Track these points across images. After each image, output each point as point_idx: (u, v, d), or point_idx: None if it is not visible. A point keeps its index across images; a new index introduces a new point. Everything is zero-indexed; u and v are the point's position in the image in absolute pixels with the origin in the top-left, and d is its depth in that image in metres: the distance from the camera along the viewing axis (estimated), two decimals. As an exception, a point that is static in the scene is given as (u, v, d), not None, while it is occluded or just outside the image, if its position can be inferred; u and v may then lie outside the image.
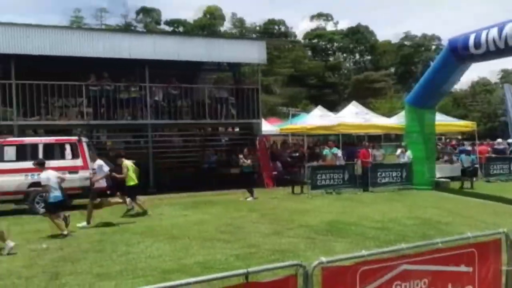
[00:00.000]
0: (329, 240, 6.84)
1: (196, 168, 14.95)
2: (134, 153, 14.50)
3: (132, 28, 54.12)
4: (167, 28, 56.49)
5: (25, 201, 10.06)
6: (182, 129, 16.46)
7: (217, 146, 16.43)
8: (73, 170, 10.32)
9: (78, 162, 10.42)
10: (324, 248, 6.29)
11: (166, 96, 14.06)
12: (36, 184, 9.89)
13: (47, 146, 10.36)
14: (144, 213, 9.40)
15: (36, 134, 13.87)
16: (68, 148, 10.48)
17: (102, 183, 9.16)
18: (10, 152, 10.12)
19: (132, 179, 9.34)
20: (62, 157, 10.38)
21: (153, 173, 13.46)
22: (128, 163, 9.47)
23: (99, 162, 9.13)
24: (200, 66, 16.75)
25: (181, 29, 56.27)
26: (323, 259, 2.64)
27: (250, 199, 11.50)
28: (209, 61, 15.85)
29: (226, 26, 60.11)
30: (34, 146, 10.25)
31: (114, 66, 13.50)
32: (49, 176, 7.77)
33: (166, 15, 59.15)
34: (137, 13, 58.97)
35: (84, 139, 11.01)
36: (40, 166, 8.03)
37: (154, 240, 6.95)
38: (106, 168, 9.08)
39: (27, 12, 68.63)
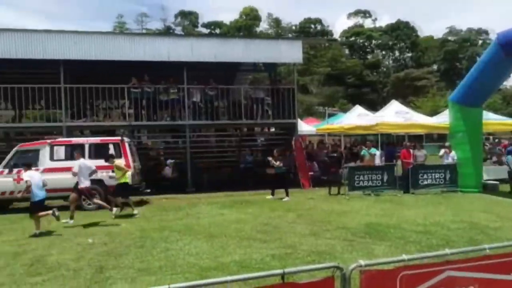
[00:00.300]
0: (367, 243, 6.67)
1: (232, 168, 15.14)
2: (173, 153, 14.98)
3: (171, 31, 55.66)
4: (204, 30, 57.60)
5: (73, 198, 10.63)
6: (219, 129, 16.73)
7: (253, 146, 16.53)
8: (116, 169, 10.78)
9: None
10: (363, 250, 6.14)
11: (204, 97, 14.34)
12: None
13: (92, 146, 10.92)
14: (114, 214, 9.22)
15: (82, 134, 14.64)
16: (111, 148, 10.96)
17: (86, 182, 9.30)
18: (59, 151, 10.76)
19: (124, 177, 9.72)
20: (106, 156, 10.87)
21: (191, 173, 13.78)
22: (120, 162, 9.93)
23: (82, 161, 9.44)
24: (237, 67, 16.94)
25: (218, 31, 57.18)
26: (362, 262, 2.58)
27: (286, 199, 11.50)
28: (245, 62, 15.98)
29: (263, 26, 60.35)
30: (81, 146, 10.83)
31: (154, 69, 13.98)
32: (32, 176, 8.07)
33: (204, 18, 60.30)
34: (176, 16, 60.60)
35: (126, 139, 11.47)
36: (27, 167, 8.34)
37: (192, 238, 7.11)
38: (91, 167, 9.43)
39: (76, 20, 72.67)
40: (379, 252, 6.02)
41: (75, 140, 11.36)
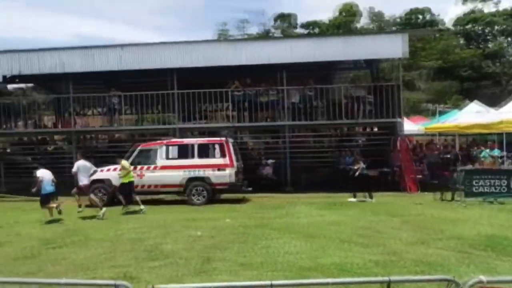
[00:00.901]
0: (488, 257, 5.87)
1: (331, 169, 14.85)
2: (272, 153, 15.35)
3: (270, 34, 57.08)
4: (302, 31, 57.67)
5: (184, 193, 11.72)
6: (317, 129, 16.59)
7: (353, 147, 15.96)
8: (221, 167, 11.53)
9: (225, 160, 11.58)
10: (482, 265, 5.42)
11: (302, 98, 14.39)
12: (193, 179, 11.50)
13: (201, 146, 11.87)
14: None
15: (192, 135, 16.01)
16: (217, 148, 11.77)
17: (85, 181, 10.20)
18: (173, 151, 11.96)
19: (128, 177, 10.53)
20: (212, 155, 11.71)
21: (290, 173, 13.95)
22: (125, 163, 10.76)
23: (82, 162, 10.33)
24: (336, 65, 16.58)
25: (316, 30, 56.68)
26: (483, 278, 2.29)
27: (369, 200, 11.18)
28: (345, 60, 15.55)
29: (363, 22, 57.78)
30: (191, 146, 11.87)
31: (255, 72, 14.55)
32: (43, 174, 9.54)
33: (302, 18, 60.40)
34: (274, 20, 61.92)
35: (230, 140, 12.17)
36: (39, 166, 10.22)
37: (291, 237, 7.18)
38: (91, 168, 10.47)
39: (183, 31, 79.85)
40: (503, 268, 5.25)
41: (186, 140, 12.48)
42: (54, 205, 9.68)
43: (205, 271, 5.45)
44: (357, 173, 11.48)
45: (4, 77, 16.93)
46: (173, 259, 6.07)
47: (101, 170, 12.07)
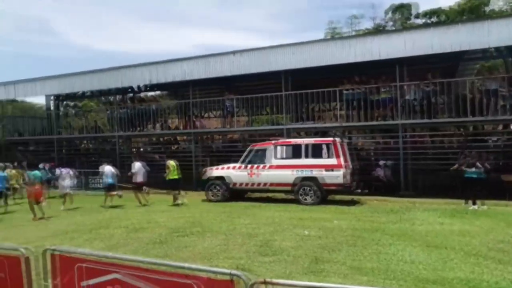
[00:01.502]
0: None
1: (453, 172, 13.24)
2: (385, 154, 14.47)
3: (381, 28, 53.89)
4: (419, 21, 52.94)
5: (292, 193, 11.90)
6: (437, 128, 15.02)
7: (482, 148, 13.97)
8: (328, 168, 11.37)
9: (333, 161, 11.37)
10: None
11: (419, 94, 13.21)
12: (303, 179, 11.60)
13: (308, 146, 11.89)
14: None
15: (300, 136, 16.15)
16: (324, 148, 11.63)
17: (140, 178, 12.90)
18: (281, 151, 12.25)
19: (173, 175, 12.44)
20: (320, 156, 11.62)
21: (404, 175, 12.95)
22: (171, 162, 12.67)
23: (138, 163, 13.12)
24: (460, 56, 14.75)
25: (434, 19, 51.40)
26: None
27: (475, 207, 9.98)
28: (471, 50, 13.71)
29: (496, 4, 50.20)
30: (299, 146, 11.98)
31: (365, 69, 13.93)
32: (105, 168, 13.02)
33: (418, 9, 55.49)
34: (386, 12, 58.21)
35: (338, 140, 11.91)
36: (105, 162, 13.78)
37: (406, 244, 6.67)
38: (144, 168, 13.19)
39: (291, 33, 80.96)
40: None
41: (294, 141, 12.66)
42: (115, 193, 12.81)
43: (313, 271, 5.44)
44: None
45: (139, 86, 19.82)
46: (282, 256, 6.22)
47: (218, 168, 13.09)
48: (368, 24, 58.11)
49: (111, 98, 21.67)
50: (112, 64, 17.58)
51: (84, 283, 3.21)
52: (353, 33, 51.62)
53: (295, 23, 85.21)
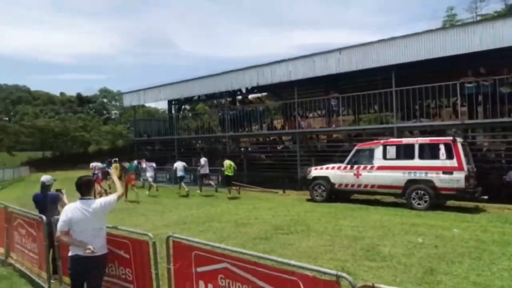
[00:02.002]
0: None
1: None
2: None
3: (516, 10, 46.24)
4: None
5: (402, 196, 11.06)
6: None
7: None
8: (446, 170, 10.24)
9: (453, 162, 10.20)
10: None
11: None
12: (414, 181, 10.70)
13: (422, 146, 10.89)
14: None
15: (412, 135, 14.91)
16: (442, 148, 10.49)
17: (205, 170, 16.04)
18: (391, 151, 11.48)
19: (228, 172, 14.74)
20: (436, 157, 10.53)
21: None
22: (227, 162, 14.94)
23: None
24: None
25: None
26: None
27: None
28: None
29: None
30: (411, 146, 11.06)
31: (493, 58, 12.15)
32: (178, 164, 16.29)
33: None
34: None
35: (459, 140, 10.65)
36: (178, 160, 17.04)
37: (549, 263, 5.61)
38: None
39: (402, 25, 75.26)
40: None
41: (405, 140, 11.74)
42: (185, 186, 15.79)
43: (428, 282, 4.98)
44: None
45: (247, 88, 20.82)
46: (391, 262, 5.83)
47: (323, 168, 12.95)
48: (496, 7, 50.59)
49: (222, 101, 23.25)
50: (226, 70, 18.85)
51: (199, 269, 3.51)
52: (478, 18, 45.53)
53: (402, 15, 79.10)
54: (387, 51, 13.66)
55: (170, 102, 24.87)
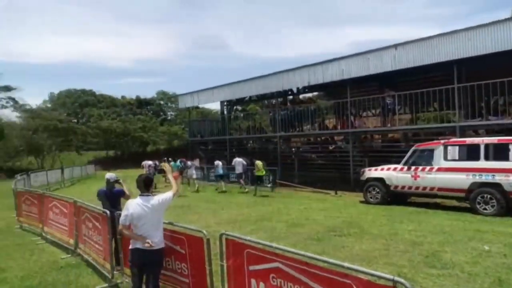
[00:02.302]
0: None
1: None
2: None
3: None
4: None
5: (466, 200, 10.31)
6: None
7: None
8: (517, 173, 9.37)
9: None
10: None
11: None
12: (480, 184, 9.92)
13: (489, 147, 10.07)
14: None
15: (477, 134, 13.86)
16: (512, 149, 9.61)
17: (239, 170, 16.91)
18: (453, 152, 10.74)
19: (260, 172, 15.80)
20: (505, 158, 9.66)
21: None
22: (258, 162, 15.89)
23: (238, 159, 17.11)
24: None
25: None
26: None
27: None
28: None
29: None
30: (476, 147, 10.26)
31: None
32: (219, 163, 17.40)
33: None
34: None
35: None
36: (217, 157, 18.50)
37: None
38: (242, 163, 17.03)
39: (465, 17, 70.13)
40: None
41: (469, 140, 10.92)
42: (223, 183, 17.20)
43: (496, 293, 4.60)
44: None
45: (298, 88, 20.70)
46: (453, 270, 5.48)
47: (378, 169, 12.48)
48: None
49: (273, 101, 23.34)
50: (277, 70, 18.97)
51: (251, 268, 3.55)
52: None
53: (463, 7, 73.61)
54: (448, 46, 12.81)
55: (222, 103, 25.48)
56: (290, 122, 19.00)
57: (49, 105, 58.10)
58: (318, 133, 19.09)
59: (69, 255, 7.10)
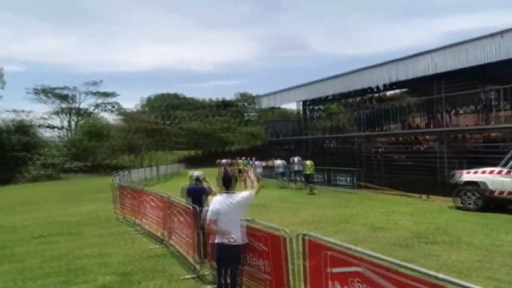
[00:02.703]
0: None
1: None
2: None
3: None
4: None
5: None
6: None
7: None
8: None
9: None
10: None
11: None
12: None
13: None
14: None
15: None
16: None
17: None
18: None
19: (309, 171, 16.70)
20: None
21: None
22: (308, 162, 16.83)
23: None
24: None
25: None
26: None
27: None
28: None
29: None
30: None
31: None
32: (279, 162, 18.86)
33: None
34: None
35: None
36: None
37: None
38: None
39: None
40: None
41: None
42: (282, 180, 18.93)
43: None
44: None
45: (384, 85, 19.59)
46: None
47: (471, 172, 11.23)
48: None
49: (351, 100, 22.50)
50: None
51: (334, 270, 3.44)
52: None
53: None
54: None
55: (302, 103, 25.34)
56: (375, 121, 18.08)
57: (140, 109, 64.37)
58: (407, 132, 17.82)
59: (157, 246, 7.69)
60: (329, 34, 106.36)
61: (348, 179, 16.69)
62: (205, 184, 6.50)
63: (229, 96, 70.41)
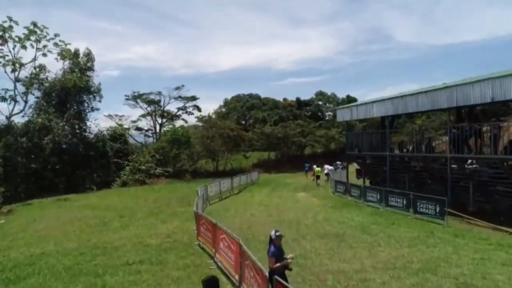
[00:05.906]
0: None
1: None
2: None
3: None
4: None
5: None
6: None
7: None
8: None
9: None
10: None
11: None
12: None
13: None
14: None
15: None
16: None
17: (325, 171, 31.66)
18: None
19: (318, 173, 30.54)
20: None
21: None
22: (317, 168, 30.94)
23: (327, 166, 33.27)
24: None
25: None
26: None
27: None
28: None
29: None
30: None
31: None
32: (328, 167, 33.08)
33: None
34: None
35: None
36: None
37: None
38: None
39: None
40: None
41: None
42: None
43: None
44: None
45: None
46: None
47: None
48: None
49: (443, 116, 20.46)
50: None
51: None
52: None
53: None
54: None
55: (383, 117, 23.86)
56: (465, 142, 16.20)
57: (223, 110, 67.22)
58: (507, 158, 15.04)
59: (235, 290, 7.79)
60: (413, 25, 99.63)
61: (436, 208, 15.08)
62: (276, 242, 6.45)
63: (306, 93, 70.45)
